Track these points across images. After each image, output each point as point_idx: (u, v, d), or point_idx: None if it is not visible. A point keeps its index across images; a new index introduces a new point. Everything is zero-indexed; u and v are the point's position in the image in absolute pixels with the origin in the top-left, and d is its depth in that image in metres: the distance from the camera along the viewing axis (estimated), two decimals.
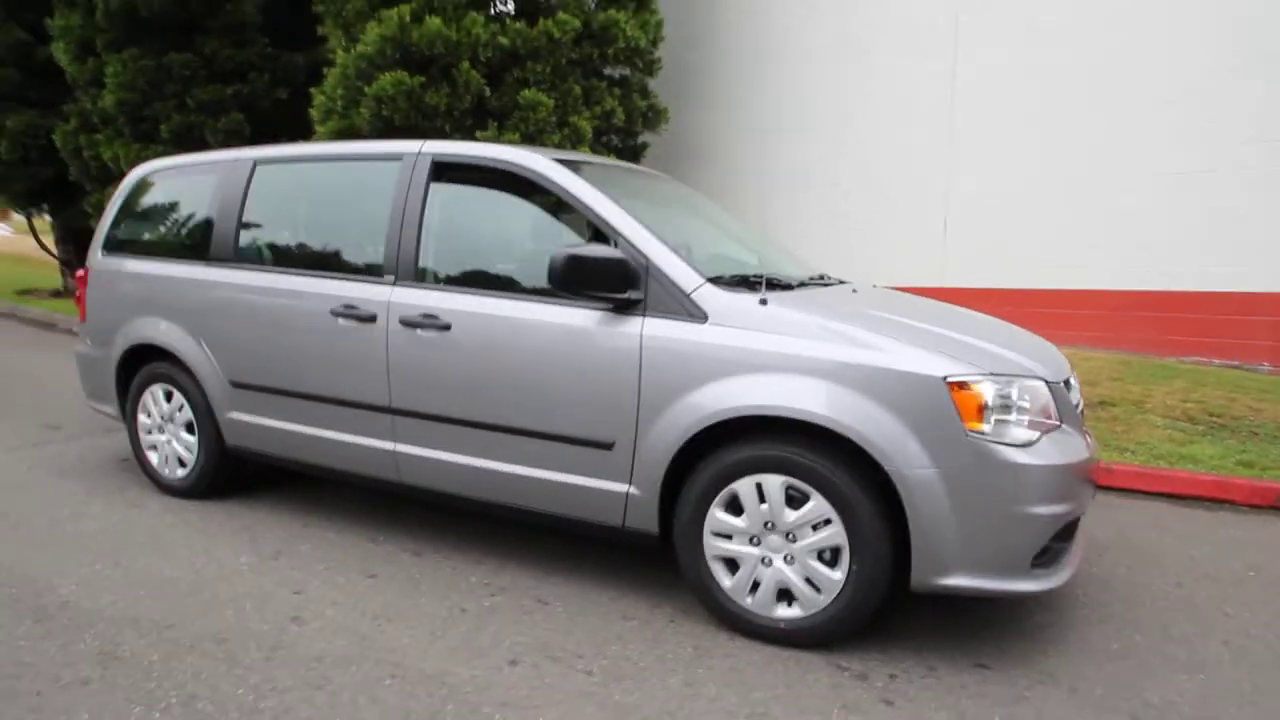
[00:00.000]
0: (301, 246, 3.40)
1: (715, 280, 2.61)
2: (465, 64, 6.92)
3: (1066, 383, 2.63)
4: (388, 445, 3.10)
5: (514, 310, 2.80)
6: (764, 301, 2.51)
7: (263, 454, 3.51)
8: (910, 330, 2.54)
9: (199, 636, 2.50)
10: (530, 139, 7.14)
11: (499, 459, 2.87)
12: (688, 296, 2.55)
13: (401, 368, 2.99)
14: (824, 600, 2.43)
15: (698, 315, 2.53)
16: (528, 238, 3.06)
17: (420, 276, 3.01)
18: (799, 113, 8.82)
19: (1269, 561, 3.32)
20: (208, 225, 3.59)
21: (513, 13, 7.55)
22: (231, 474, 3.74)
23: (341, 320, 3.10)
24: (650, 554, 2.99)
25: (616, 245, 2.65)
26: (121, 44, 8.73)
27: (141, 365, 3.81)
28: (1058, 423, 2.43)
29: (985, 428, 2.26)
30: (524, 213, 3.04)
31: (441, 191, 3.05)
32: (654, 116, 8.40)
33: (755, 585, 2.52)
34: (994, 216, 7.75)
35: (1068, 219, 7.41)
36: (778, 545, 2.48)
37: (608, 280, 2.54)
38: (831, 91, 8.60)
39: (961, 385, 2.27)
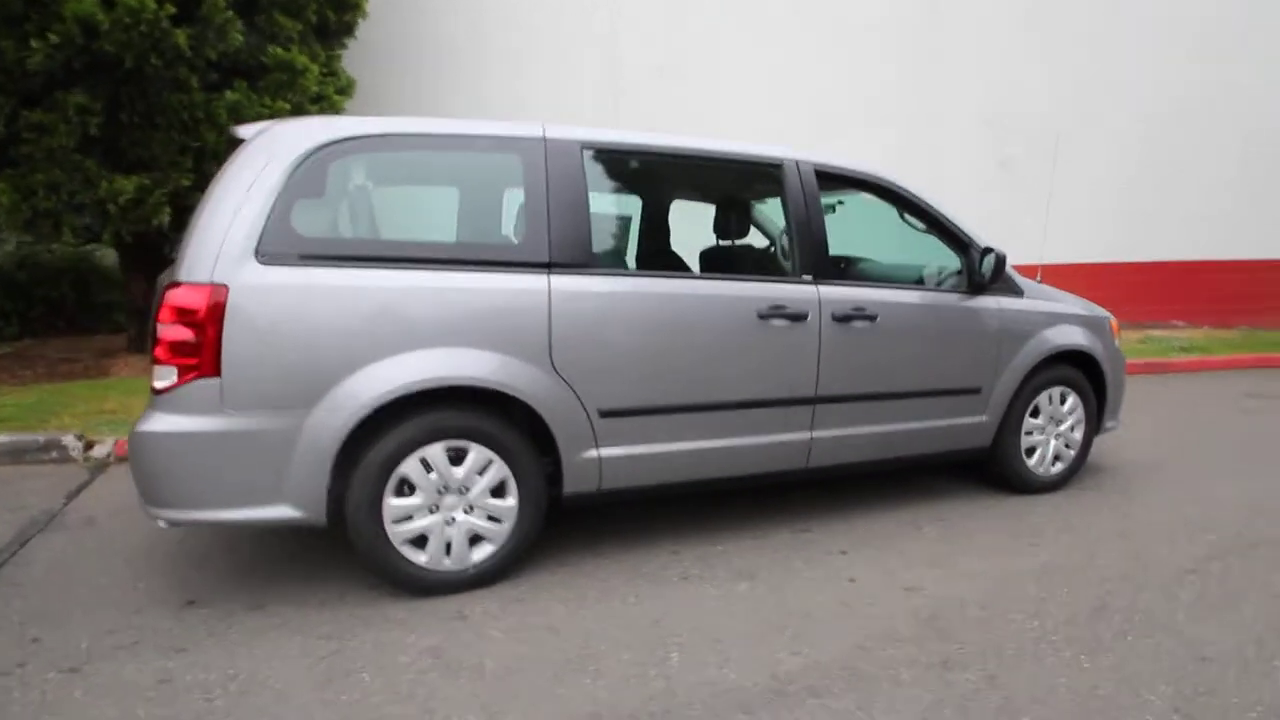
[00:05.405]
0: (671, 247, 3.06)
1: None
2: None
3: None
4: (803, 435, 3.28)
5: (915, 298, 3.49)
6: (1040, 279, 3.93)
7: (625, 490, 3.02)
8: (1060, 293, 4.32)
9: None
10: (298, 110, 5.83)
11: (899, 420, 3.50)
12: (1011, 279, 3.77)
13: (833, 358, 3.25)
14: (1073, 454, 4.07)
15: (1018, 291, 3.79)
16: (898, 238, 3.63)
17: (835, 275, 3.30)
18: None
19: None
20: (535, 221, 2.76)
21: None
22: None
23: (774, 321, 3.11)
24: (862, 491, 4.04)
25: (970, 247, 3.63)
26: None
27: (377, 432, 2.62)
28: None
29: (1117, 341, 4.25)
30: (893, 218, 3.60)
31: (826, 199, 3.36)
32: (347, 88, 7.51)
33: (1042, 459, 3.97)
34: None
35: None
36: (1053, 429, 3.98)
37: (1001, 272, 3.56)
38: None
39: (1110, 318, 4.21)
